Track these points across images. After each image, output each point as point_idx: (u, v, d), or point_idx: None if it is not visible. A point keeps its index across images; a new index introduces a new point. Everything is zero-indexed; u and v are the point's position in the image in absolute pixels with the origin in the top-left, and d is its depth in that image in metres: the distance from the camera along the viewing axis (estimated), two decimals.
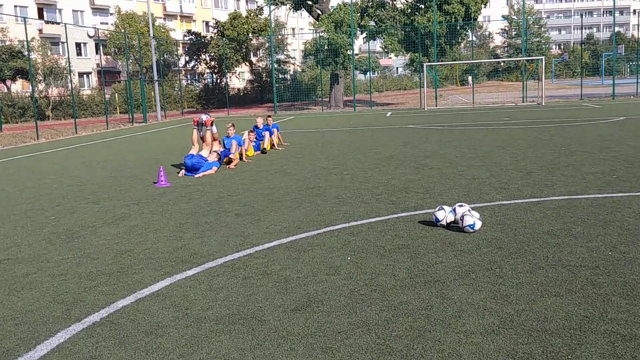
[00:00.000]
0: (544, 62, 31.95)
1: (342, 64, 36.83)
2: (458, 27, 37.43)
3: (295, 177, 10.73)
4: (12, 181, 12.06)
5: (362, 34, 40.18)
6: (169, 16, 64.75)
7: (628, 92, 34.98)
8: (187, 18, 67.40)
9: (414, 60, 37.61)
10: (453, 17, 35.87)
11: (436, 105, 33.60)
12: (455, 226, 6.57)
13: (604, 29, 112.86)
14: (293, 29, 77.98)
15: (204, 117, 12.55)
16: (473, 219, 6.24)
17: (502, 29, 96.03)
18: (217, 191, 9.66)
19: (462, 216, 6.31)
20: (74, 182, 11.37)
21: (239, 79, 57.65)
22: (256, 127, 15.53)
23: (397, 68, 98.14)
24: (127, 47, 39.14)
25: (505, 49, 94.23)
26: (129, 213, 8.26)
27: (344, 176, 10.51)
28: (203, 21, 68.00)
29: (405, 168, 11.08)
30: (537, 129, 17.43)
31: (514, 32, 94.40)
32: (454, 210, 6.62)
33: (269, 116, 16.67)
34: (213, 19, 52.89)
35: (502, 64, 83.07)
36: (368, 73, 52.14)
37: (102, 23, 57.09)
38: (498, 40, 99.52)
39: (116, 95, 42.54)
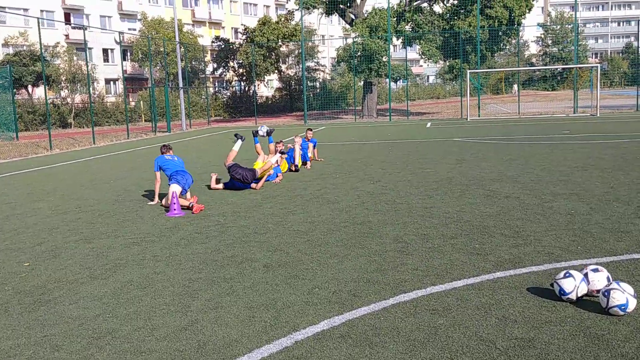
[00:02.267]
0: (599, 71, 29.40)
1: (376, 71, 34.75)
2: (500, 33, 35.11)
3: (337, 206, 8.67)
4: (0, 204, 10.25)
5: (398, 39, 38.06)
6: (197, 22, 63.49)
7: None
8: (215, 24, 66.08)
9: (453, 67, 35.34)
10: (496, 21, 33.58)
11: (479, 116, 31.27)
12: (589, 300, 4.46)
13: None
14: (323, 36, 76.15)
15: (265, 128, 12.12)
16: (625, 296, 4.11)
17: (537, 37, 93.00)
18: (241, 225, 7.66)
19: (607, 291, 4.17)
20: (72, 207, 9.48)
21: (267, 87, 55.92)
22: (304, 139, 13.85)
23: (428, 76, 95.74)
24: (150, 52, 37.71)
25: (541, 57, 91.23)
26: (126, 259, 6.29)
27: (398, 206, 8.42)
28: (232, 28, 66.58)
29: (473, 196, 8.94)
30: (611, 145, 15.11)
31: (549, 40, 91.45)
32: (586, 276, 4.50)
33: (309, 129, 14.72)
34: (242, 25, 51.29)
35: (537, 73, 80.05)
36: (402, 81, 49.98)
37: (129, 29, 55.95)
38: (533, 48, 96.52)
39: (141, 102, 41.09)
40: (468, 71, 30.38)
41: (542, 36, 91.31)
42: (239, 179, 10.36)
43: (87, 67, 24.62)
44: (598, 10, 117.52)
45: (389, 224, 7.37)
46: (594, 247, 5.92)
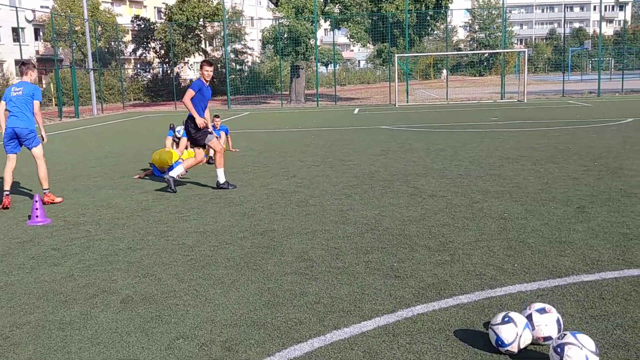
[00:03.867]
0: (526, 56, 29.18)
1: (303, 55, 33.41)
2: (428, 17, 34.46)
3: (240, 209, 7.37)
4: None
5: (325, 21, 36.80)
6: (117, 0, 60.12)
7: (610, 89, 32.58)
8: (137, 3, 62.87)
9: (382, 51, 34.47)
10: (423, 5, 32.86)
11: (407, 102, 30.54)
12: (534, 349, 3.39)
13: (565, 25, 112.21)
14: (252, 17, 73.98)
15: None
16: (584, 354, 3.02)
17: (465, 23, 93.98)
18: (114, 237, 6.24)
19: (561, 347, 3.07)
20: None
21: (192, 69, 53.58)
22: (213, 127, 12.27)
23: (359, 61, 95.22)
24: (54, 30, 35.00)
25: (469, 43, 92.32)
26: None
27: (309, 209, 7.21)
28: (155, 7, 63.55)
29: (395, 194, 7.84)
30: (541, 133, 14.45)
31: (477, 26, 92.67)
32: (530, 319, 3.42)
33: (217, 116, 13.12)
34: (163, 3, 48.68)
35: (464, 58, 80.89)
36: (331, 65, 48.90)
37: (42, 7, 52.17)
38: (461, 34, 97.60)
39: (51, 85, 38.17)
40: (396, 55, 29.55)
41: (470, 22, 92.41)
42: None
43: None
44: None
45: (295, 233, 6.13)
46: (533, 265, 4.89)
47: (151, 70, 50.34)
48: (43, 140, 8.30)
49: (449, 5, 33.67)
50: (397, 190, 8.13)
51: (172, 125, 11.77)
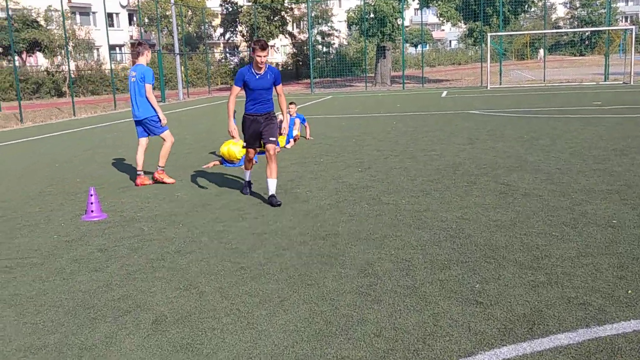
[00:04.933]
0: (634, 33, 26.63)
1: (389, 35, 32.26)
2: None
3: (305, 207, 6.68)
4: None
5: (413, 0, 35.39)
6: None
7: None
8: None
9: (473, 30, 32.71)
10: None
11: (500, 84, 28.77)
12: None
13: None
14: None
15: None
16: None
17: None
18: (165, 238, 5.73)
19: None
20: None
21: (278, 53, 53.55)
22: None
23: (450, 41, 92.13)
24: (139, 15, 35.73)
25: (569, 20, 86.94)
26: None
27: (382, 208, 6.41)
28: None
29: (482, 192, 6.89)
30: None
31: (577, 3, 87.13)
32: None
33: (292, 103, 12.47)
34: None
35: (564, 37, 76.25)
36: (419, 46, 47.35)
37: None
38: (561, 11, 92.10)
39: None
40: (489, 34, 27.82)
41: None
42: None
43: (65, 33, 22.54)
44: None
45: (361, 238, 5.38)
46: None
47: (238, 54, 50.72)
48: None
49: None
50: (483, 187, 7.17)
51: None
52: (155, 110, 8.12)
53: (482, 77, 30.19)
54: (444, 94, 25.55)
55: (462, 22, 34.01)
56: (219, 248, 5.33)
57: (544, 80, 28.88)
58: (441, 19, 34.03)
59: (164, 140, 8.39)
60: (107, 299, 4.26)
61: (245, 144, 7.08)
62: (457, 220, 5.79)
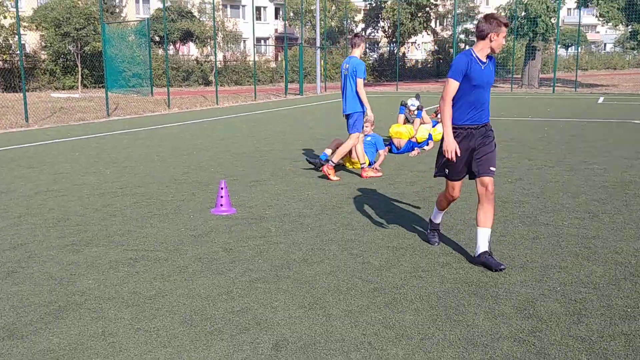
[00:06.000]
0: None
1: (542, 35, 30.13)
2: None
3: (446, 220, 5.92)
4: None
5: None
6: None
7: None
8: None
9: (637, 33, 29.67)
10: None
11: None
12: None
13: None
14: None
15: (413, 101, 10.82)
16: None
17: None
18: (292, 242, 5.27)
19: None
20: (115, 188, 7.68)
21: (418, 50, 52.41)
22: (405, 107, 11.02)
23: (605, 44, 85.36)
24: (289, 9, 36.17)
25: None
26: (81, 295, 4.19)
27: (538, 229, 5.50)
28: None
29: None
30: None
31: None
32: None
33: (417, 95, 11.61)
34: None
35: None
36: (572, 47, 44.13)
37: None
38: None
39: (283, 62, 39.86)
40: None
41: None
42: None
43: (215, 25, 23.18)
44: None
45: (517, 266, 4.56)
46: None
47: (378, 50, 50.25)
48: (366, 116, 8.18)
49: None
50: None
51: (403, 102, 10.95)
52: (363, 106, 7.84)
53: None
54: (601, 100, 23.29)
55: (624, 23, 30.97)
56: (349, 260, 4.77)
57: None
58: (601, 19, 31.21)
59: (349, 138, 8.07)
60: (225, 310, 3.84)
61: (445, 172, 4.76)
62: (637, 255, 4.78)
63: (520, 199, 6.77)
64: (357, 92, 7.77)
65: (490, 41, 4.41)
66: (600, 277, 4.31)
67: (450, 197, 4.88)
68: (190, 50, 41.54)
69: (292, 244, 5.23)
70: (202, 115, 18.07)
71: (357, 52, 7.89)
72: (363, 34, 49.66)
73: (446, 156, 4.51)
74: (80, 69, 30.17)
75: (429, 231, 5.25)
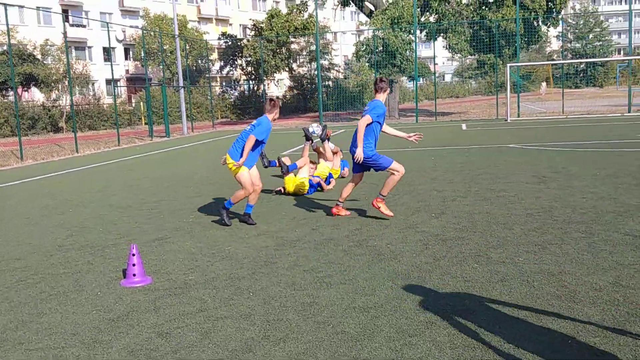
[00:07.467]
0: None
1: (399, 67, 31.38)
2: (536, 24, 31.66)
3: (396, 266, 5.33)
4: None
5: (421, 32, 34.62)
6: (203, 19, 60.40)
7: None
8: (223, 21, 62.94)
9: (484, 63, 31.93)
10: (532, 12, 30.09)
11: (518, 116, 27.77)
12: None
13: None
14: (335, 33, 72.79)
15: (314, 127, 10.69)
16: None
17: (560, 32, 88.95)
18: (242, 314, 4.37)
19: None
20: None
21: (277, 86, 52.71)
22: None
23: (443, 75, 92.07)
24: (145, 49, 34.87)
25: (563, 53, 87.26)
26: None
27: (498, 269, 5.10)
28: (240, 25, 63.43)
29: (612, 247, 5.59)
30: None
31: (571, 36, 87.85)
32: None
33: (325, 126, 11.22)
34: (250, 19, 48.00)
35: (558, 70, 76.36)
36: (421, 78, 46.73)
37: (131, 26, 53.00)
38: (555, 44, 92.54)
39: (141, 104, 37.99)
40: (508, 65, 26.93)
41: (565, 31, 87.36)
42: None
43: (68, 67, 21.33)
44: (620, 4, 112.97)
45: (502, 320, 4.05)
46: None
47: (238, 88, 49.79)
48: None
49: (562, 10, 30.73)
50: (607, 238, 5.89)
51: (304, 129, 10.65)
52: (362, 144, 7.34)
53: (498, 109, 29.22)
54: (464, 126, 24.46)
55: (472, 53, 33.27)
56: (318, 331, 3.99)
57: (563, 112, 27.93)
58: (450, 51, 33.25)
59: (393, 171, 7.47)
60: None
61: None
62: (615, 288, 4.49)
63: (457, 235, 6.40)
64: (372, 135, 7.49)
65: None
66: (596, 321, 3.92)
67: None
68: (34, 96, 38.24)
69: (240, 317, 4.35)
70: (63, 166, 16.21)
71: (382, 97, 7.37)
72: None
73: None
74: None
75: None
